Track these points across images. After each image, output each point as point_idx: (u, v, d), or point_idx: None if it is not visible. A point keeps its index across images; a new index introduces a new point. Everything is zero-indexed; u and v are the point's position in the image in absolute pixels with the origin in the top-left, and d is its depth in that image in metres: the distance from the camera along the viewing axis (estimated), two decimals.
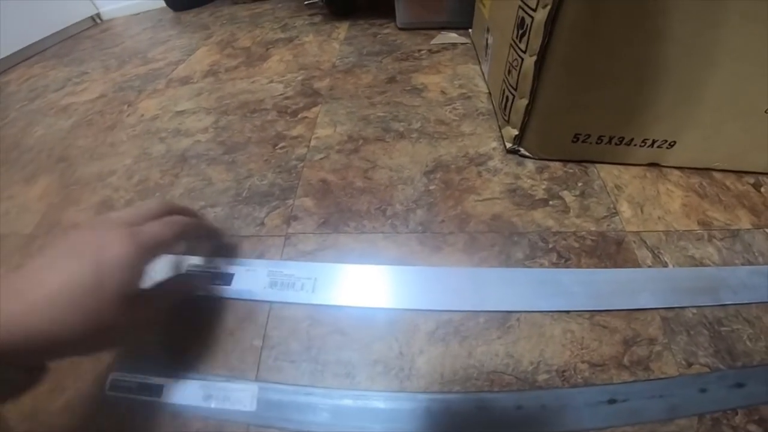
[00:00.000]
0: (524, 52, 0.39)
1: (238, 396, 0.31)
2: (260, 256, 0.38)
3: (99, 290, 0.23)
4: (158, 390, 0.31)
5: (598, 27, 0.34)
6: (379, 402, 0.30)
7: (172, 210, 0.33)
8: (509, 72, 0.43)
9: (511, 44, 0.42)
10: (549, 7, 0.34)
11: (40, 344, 0.22)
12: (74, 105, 0.72)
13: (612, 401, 0.29)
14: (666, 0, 0.32)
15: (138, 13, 1.27)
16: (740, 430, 0.27)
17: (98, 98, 0.72)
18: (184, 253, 0.38)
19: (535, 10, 0.35)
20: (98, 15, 1.31)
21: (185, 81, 0.69)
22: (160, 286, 0.31)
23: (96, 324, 0.23)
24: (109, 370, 0.33)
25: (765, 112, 0.38)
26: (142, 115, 0.62)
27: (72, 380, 0.32)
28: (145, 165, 0.51)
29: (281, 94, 0.59)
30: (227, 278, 0.37)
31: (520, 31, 0.39)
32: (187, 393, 0.31)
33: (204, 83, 0.66)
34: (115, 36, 1.12)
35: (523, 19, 0.38)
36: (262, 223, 0.41)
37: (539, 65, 0.38)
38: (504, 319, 0.33)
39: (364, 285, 0.36)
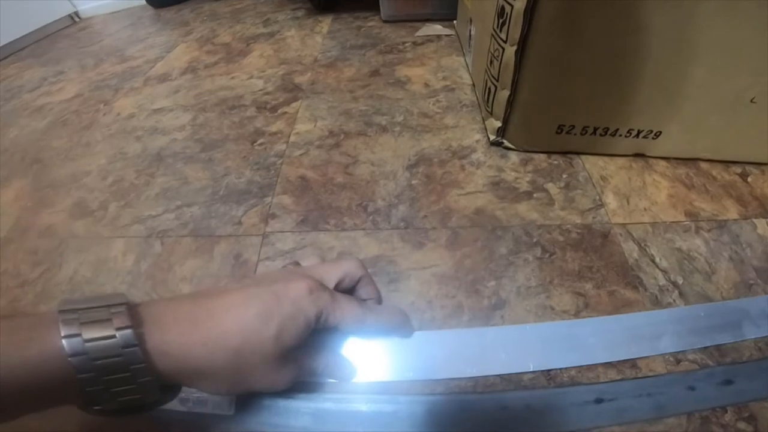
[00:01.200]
0: (505, 41, 0.38)
1: (215, 399, 0.30)
2: (238, 257, 0.37)
3: (258, 346, 0.23)
4: None
5: (577, 17, 0.33)
6: (360, 405, 0.29)
7: (364, 280, 0.30)
8: (491, 62, 0.42)
9: (492, 34, 0.41)
10: None
11: (204, 376, 0.23)
12: (49, 105, 0.70)
13: (599, 401, 0.28)
14: None
15: (117, 11, 1.24)
16: (730, 428, 0.26)
17: (74, 98, 0.70)
18: None
19: None
20: (76, 13, 1.27)
21: (163, 78, 0.67)
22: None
23: (239, 376, 0.23)
24: None
25: (751, 101, 0.37)
26: (119, 114, 0.60)
27: None
28: (120, 165, 0.50)
29: (261, 90, 0.58)
30: None
31: (501, 20, 0.38)
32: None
33: (182, 80, 0.65)
34: (93, 34, 1.09)
35: (503, 7, 0.37)
36: (240, 222, 0.40)
37: (520, 55, 0.37)
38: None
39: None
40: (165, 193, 0.44)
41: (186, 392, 0.29)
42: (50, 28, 1.18)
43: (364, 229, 0.38)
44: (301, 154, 0.46)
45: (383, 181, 0.42)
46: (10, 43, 1.04)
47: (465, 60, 0.59)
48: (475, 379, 0.29)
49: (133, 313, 0.20)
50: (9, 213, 0.48)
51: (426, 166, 0.43)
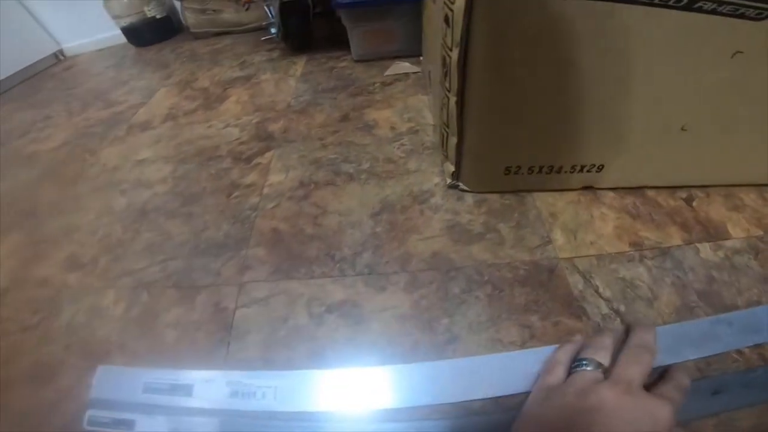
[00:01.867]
0: (449, 91, 0.40)
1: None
2: (217, 305, 0.41)
3: None
4: (131, 425, 0.34)
5: (505, 62, 0.35)
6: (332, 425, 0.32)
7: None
8: (441, 109, 0.44)
9: (440, 82, 0.43)
10: (458, 47, 0.35)
11: None
12: (38, 153, 0.73)
13: None
14: (562, 30, 0.33)
15: (100, 50, 1.28)
16: None
17: (61, 146, 0.74)
18: None
19: (451, 50, 0.36)
20: (61, 51, 1.31)
21: (145, 127, 0.71)
22: None
23: None
24: (86, 407, 0.35)
25: (681, 129, 0.39)
26: (104, 165, 0.64)
27: (52, 417, 0.35)
28: (107, 220, 0.53)
29: (236, 139, 0.62)
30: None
31: (444, 70, 0.39)
32: (156, 428, 0.34)
33: (163, 128, 0.68)
34: (78, 74, 1.13)
35: (444, 58, 0.38)
36: (219, 273, 0.43)
37: (461, 105, 0.39)
38: None
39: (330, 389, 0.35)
40: (150, 248, 0.48)
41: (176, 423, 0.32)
42: (37, 67, 1.22)
43: (331, 276, 0.42)
44: (273, 207, 0.50)
45: (350, 230, 0.46)
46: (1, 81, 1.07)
47: (428, 100, 0.63)
48: (432, 407, 0.32)
49: None
50: (7, 266, 0.52)
51: (389, 213, 0.47)
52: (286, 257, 0.44)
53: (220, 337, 0.39)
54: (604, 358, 0.28)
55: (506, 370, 0.34)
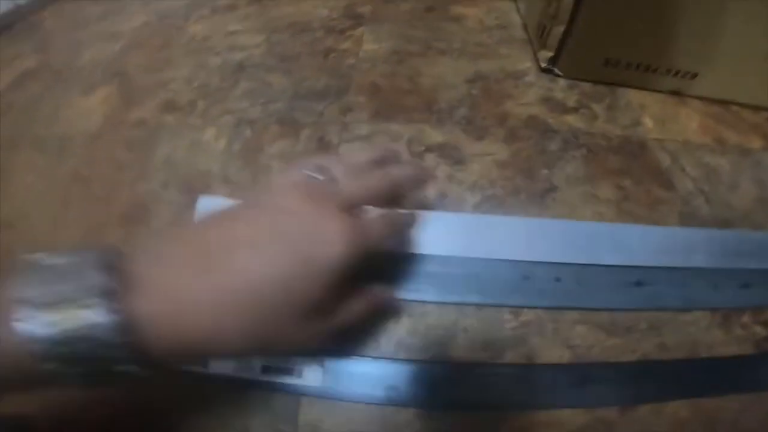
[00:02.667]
0: None
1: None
2: (321, 139, 0.43)
3: (279, 307, 0.18)
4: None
5: None
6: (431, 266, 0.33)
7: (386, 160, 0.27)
8: (549, 3, 0.46)
9: None
10: None
11: (208, 347, 0.19)
12: (120, 32, 0.74)
13: (639, 284, 0.32)
14: None
15: None
16: (748, 328, 0.30)
17: (143, 25, 0.75)
18: None
19: None
20: None
21: (230, 8, 0.71)
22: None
23: (255, 339, 0.19)
24: None
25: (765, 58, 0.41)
26: (193, 37, 0.65)
27: None
28: (203, 74, 0.55)
29: (326, 17, 0.62)
30: None
31: None
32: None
33: (249, 9, 0.69)
34: None
35: None
36: (321, 114, 0.45)
37: None
38: None
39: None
40: (250, 93, 0.50)
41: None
42: None
43: (429, 123, 0.43)
44: (370, 67, 0.52)
45: (445, 89, 0.47)
46: None
47: (516, 5, 0.63)
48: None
49: (114, 283, 0.15)
50: (98, 113, 0.53)
51: (483, 82, 0.48)
52: (385, 105, 0.46)
53: None
54: (337, 170, 0.23)
55: (604, 239, 0.34)
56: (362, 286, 0.24)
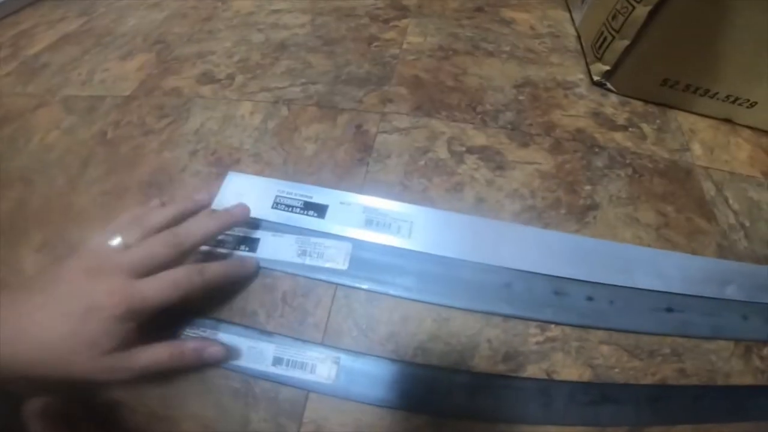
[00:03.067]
0: (638, 2, 0.40)
1: (331, 253, 0.33)
2: (359, 127, 0.41)
3: (79, 345, 0.23)
4: (254, 244, 0.33)
5: None
6: (465, 273, 0.32)
7: (186, 213, 0.31)
8: (614, 17, 0.45)
9: None
10: None
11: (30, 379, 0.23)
12: (165, 2, 0.73)
13: (669, 310, 0.31)
14: None
15: None
16: (766, 360, 0.30)
17: None
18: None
19: None
20: None
21: None
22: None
23: (63, 381, 0.23)
24: None
25: None
26: (238, 11, 0.64)
27: None
28: (245, 48, 0.54)
29: (372, 5, 0.61)
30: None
31: None
32: (283, 248, 0.33)
33: None
34: None
35: None
36: (361, 101, 0.44)
37: (653, 13, 0.39)
38: None
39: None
40: (290, 72, 0.49)
41: (304, 244, 0.33)
42: None
43: (473, 123, 0.42)
44: (413, 59, 0.50)
45: (491, 91, 0.46)
46: None
47: (571, 15, 0.61)
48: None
49: None
50: (133, 78, 0.53)
51: (532, 88, 0.46)
52: (428, 99, 0.44)
53: (360, 157, 0.40)
54: (132, 236, 0.28)
55: (643, 264, 0.33)
56: (174, 336, 0.29)
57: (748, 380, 0.29)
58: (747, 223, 0.37)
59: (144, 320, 0.25)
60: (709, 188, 0.39)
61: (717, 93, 0.44)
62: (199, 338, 0.30)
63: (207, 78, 0.51)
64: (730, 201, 0.38)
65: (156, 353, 0.26)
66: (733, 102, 0.44)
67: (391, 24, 0.57)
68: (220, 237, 0.33)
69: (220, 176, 0.38)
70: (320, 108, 0.44)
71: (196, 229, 0.29)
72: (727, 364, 0.30)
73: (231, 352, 0.29)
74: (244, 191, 0.36)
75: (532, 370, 0.29)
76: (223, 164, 0.40)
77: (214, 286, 0.29)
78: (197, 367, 0.28)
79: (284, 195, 0.36)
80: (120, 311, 0.24)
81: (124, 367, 0.25)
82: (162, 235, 0.28)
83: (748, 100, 0.44)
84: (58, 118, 0.48)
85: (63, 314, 0.24)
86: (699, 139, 0.44)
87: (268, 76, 0.49)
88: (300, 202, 0.35)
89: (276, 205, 0.35)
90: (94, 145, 0.44)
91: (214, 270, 0.29)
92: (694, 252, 0.35)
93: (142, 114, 0.47)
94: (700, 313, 0.32)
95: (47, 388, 0.24)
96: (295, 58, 0.51)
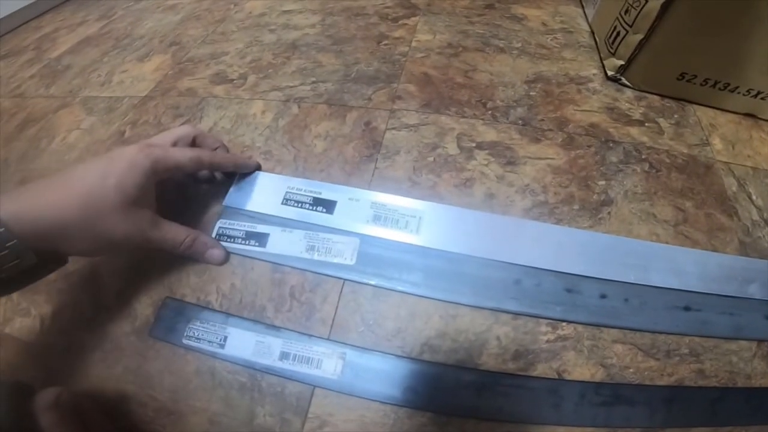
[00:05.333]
0: None
1: (339, 248, 0.33)
2: (368, 124, 0.41)
3: (101, 196, 0.26)
4: (263, 239, 0.34)
5: None
6: (469, 268, 0.32)
7: (201, 137, 0.36)
8: (627, 11, 0.44)
9: None
10: None
11: (59, 237, 0.25)
12: (180, 4, 0.75)
13: (687, 308, 0.30)
14: None
15: None
16: None
17: None
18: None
19: None
20: None
21: None
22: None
23: (93, 228, 0.26)
24: (216, 217, 0.35)
25: None
26: (250, 13, 0.65)
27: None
28: (257, 49, 0.55)
29: (381, 4, 0.61)
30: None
31: None
32: (292, 243, 0.33)
33: None
34: None
35: None
36: (370, 99, 0.44)
37: (666, 6, 0.38)
38: None
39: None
40: (301, 72, 0.49)
41: (312, 240, 0.33)
42: None
43: (482, 119, 0.41)
44: (422, 57, 0.50)
45: (502, 87, 0.45)
46: None
47: (584, 11, 0.60)
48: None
49: None
50: (150, 79, 0.54)
51: (544, 84, 0.46)
52: (437, 96, 0.44)
53: (368, 153, 0.40)
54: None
55: (661, 261, 0.32)
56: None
57: None
58: None
59: (165, 177, 0.30)
60: (730, 184, 0.38)
61: (738, 87, 0.43)
62: (210, 237, 0.33)
63: (220, 78, 0.52)
64: (754, 197, 0.37)
65: (176, 230, 0.31)
66: (755, 96, 0.43)
67: (401, 22, 0.57)
68: (230, 232, 0.34)
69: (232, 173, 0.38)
70: (330, 106, 0.44)
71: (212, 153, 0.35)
72: (749, 366, 0.28)
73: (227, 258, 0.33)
74: (255, 187, 0.37)
75: (543, 369, 0.28)
76: None
77: (217, 166, 0.35)
78: (198, 259, 0.33)
79: (294, 191, 0.36)
80: (145, 160, 0.28)
81: (146, 228, 0.29)
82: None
83: None
84: (79, 119, 0.50)
85: (96, 163, 0.28)
86: (719, 134, 0.42)
87: (280, 75, 0.50)
88: (309, 198, 0.36)
89: (286, 201, 0.36)
90: (113, 144, 0.46)
91: (221, 157, 0.36)
92: (714, 249, 0.33)
93: (158, 113, 0.49)
94: (719, 312, 0.30)
95: (81, 244, 0.27)
96: (305, 58, 0.51)
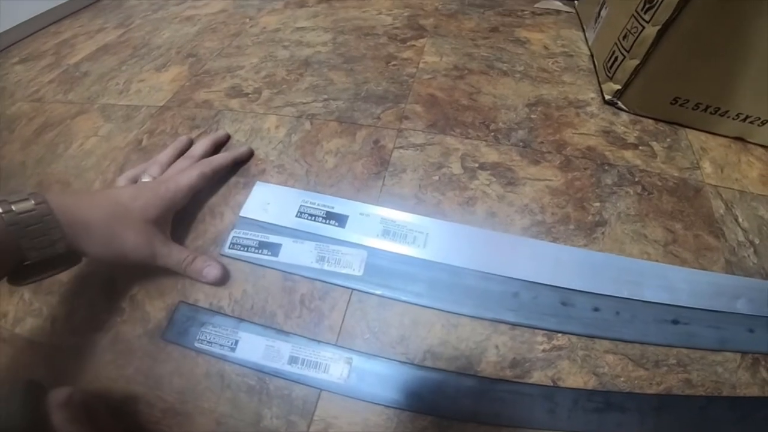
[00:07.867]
0: (647, 22, 0.41)
1: (348, 260, 0.35)
2: (377, 142, 0.44)
3: (126, 210, 0.32)
4: (276, 249, 0.36)
5: (729, 5, 0.36)
6: (471, 280, 0.34)
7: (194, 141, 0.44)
8: (625, 37, 0.46)
9: (633, 15, 0.44)
10: None
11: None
12: (197, 16, 0.78)
13: (675, 322, 0.32)
14: None
15: None
16: None
17: (220, 12, 0.79)
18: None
19: None
20: None
21: (301, 4, 0.74)
22: None
23: (111, 232, 0.31)
24: (231, 227, 0.37)
25: None
26: (264, 28, 0.68)
27: (192, 239, 0.38)
28: (271, 64, 0.58)
29: (390, 25, 0.64)
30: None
31: (648, 5, 0.42)
32: (303, 254, 0.35)
33: (319, 8, 0.72)
34: None
35: None
36: (378, 118, 0.47)
37: (662, 33, 0.40)
38: None
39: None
40: (314, 88, 0.52)
41: (323, 251, 0.35)
42: None
43: (485, 141, 0.44)
44: (429, 78, 0.52)
45: (504, 110, 0.47)
46: None
47: (585, 35, 0.62)
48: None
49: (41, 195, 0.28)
50: (167, 89, 0.57)
51: (544, 107, 0.48)
52: (442, 117, 0.46)
53: (377, 171, 0.42)
54: (154, 171, 0.39)
55: (652, 278, 0.34)
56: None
57: (754, 392, 0.29)
58: (757, 241, 0.37)
59: (179, 207, 0.36)
60: (718, 206, 0.40)
61: (728, 111, 0.45)
62: (209, 258, 0.35)
63: (236, 92, 0.54)
64: (740, 219, 0.39)
65: (180, 250, 0.35)
66: (744, 120, 0.45)
67: (409, 43, 0.59)
68: (243, 242, 0.36)
69: (247, 185, 0.41)
70: (341, 123, 0.46)
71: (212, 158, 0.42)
72: (734, 376, 0.30)
73: (225, 277, 0.35)
74: (270, 200, 0.39)
75: (538, 377, 0.30)
76: (249, 174, 0.43)
77: (220, 170, 0.41)
78: (196, 278, 0.35)
79: (308, 205, 0.38)
80: (167, 193, 0.35)
81: (156, 245, 0.33)
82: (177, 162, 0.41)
83: (759, 118, 0.44)
84: (97, 125, 0.52)
85: (129, 188, 0.34)
86: (710, 158, 0.44)
87: (293, 91, 0.52)
88: (323, 212, 0.38)
89: (300, 213, 0.38)
90: (130, 152, 0.48)
91: (217, 160, 0.41)
92: (702, 268, 0.35)
93: (175, 124, 0.51)
94: (706, 326, 0.32)
95: (96, 244, 0.30)
96: (318, 75, 0.54)
